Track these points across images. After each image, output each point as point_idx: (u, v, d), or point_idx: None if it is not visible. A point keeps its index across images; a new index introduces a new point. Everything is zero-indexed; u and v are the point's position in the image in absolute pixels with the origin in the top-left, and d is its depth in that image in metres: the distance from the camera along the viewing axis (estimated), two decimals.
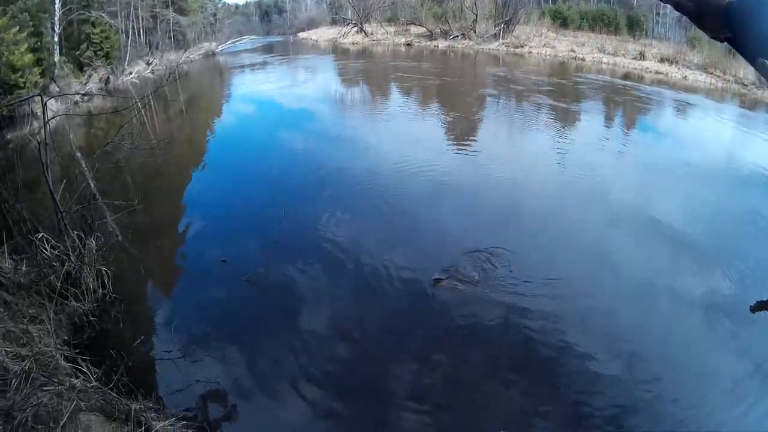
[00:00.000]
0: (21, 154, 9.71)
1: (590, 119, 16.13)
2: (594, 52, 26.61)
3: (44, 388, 4.50)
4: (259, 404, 5.52)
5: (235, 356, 6.06)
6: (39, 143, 7.20)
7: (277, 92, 20.40)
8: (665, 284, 7.21)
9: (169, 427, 4.78)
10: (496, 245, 7.87)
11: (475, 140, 13.50)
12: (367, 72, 25.80)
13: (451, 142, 13.40)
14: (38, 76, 16.41)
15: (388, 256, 7.74)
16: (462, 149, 12.76)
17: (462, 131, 14.29)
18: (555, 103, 17.39)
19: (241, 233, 8.70)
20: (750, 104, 19.71)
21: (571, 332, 6.26)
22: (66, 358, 5.42)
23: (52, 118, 7.65)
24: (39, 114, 14.93)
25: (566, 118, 15.94)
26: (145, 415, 4.74)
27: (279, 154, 12.64)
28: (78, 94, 16.27)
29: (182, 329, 6.41)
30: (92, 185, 7.67)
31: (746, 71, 21.42)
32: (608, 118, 16.62)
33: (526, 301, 6.76)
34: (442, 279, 7.10)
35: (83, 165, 7.81)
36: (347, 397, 5.50)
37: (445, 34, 33.98)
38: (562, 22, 32.65)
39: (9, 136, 13.71)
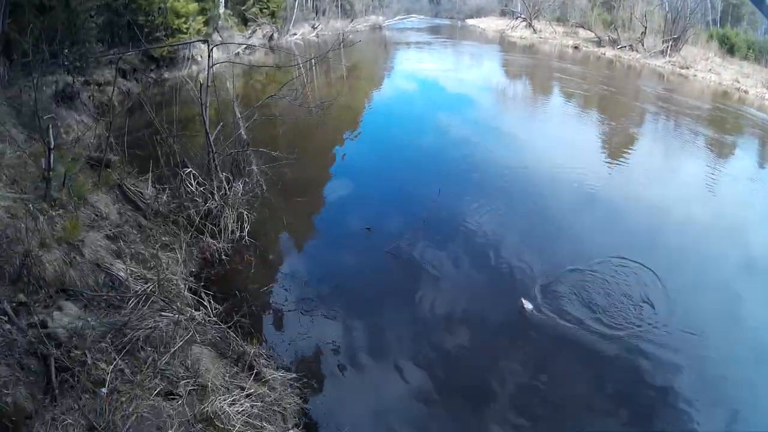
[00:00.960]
0: (179, 93, 10.16)
1: (746, 157, 13.89)
2: (758, 86, 23.76)
3: (162, 313, 4.38)
4: (365, 373, 5.17)
5: (353, 322, 5.72)
6: (201, 84, 7.32)
7: (440, 74, 19.96)
8: None
9: (278, 377, 4.49)
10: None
11: (628, 155, 12.25)
12: (532, 69, 24.64)
13: (604, 153, 12.27)
14: (202, 25, 17.23)
15: (528, 257, 7.07)
16: (614, 162, 11.62)
17: (616, 144, 13.05)
18: (713, 134, 15.31)
19: (389, 206, 8.35)
20: None
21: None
22: (190, 289, 5.37)
23: (215, 64, 7.76)
24: (199, 59, 16.02)
25: (722, 152, 13.89)
26: (257, 360, 4.51)
27: (434, 134, 12.18)
28: (242, 44, 16.98)
29: (310, 285, 6.17)
30: (245, 133, 7.72)
31: None
32: (764, 159, 14.27)
33: None
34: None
35: (238, 113, 7.87)
36: (446, 389, 5.06)
37: (613, 43, 31.94)
38: (729, 48, 29.51)
39: (167, 75, 14.60)
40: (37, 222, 4.67)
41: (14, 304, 3.78)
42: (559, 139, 12.82)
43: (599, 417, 4.98)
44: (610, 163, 11.48)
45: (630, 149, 12.63)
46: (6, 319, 3.59)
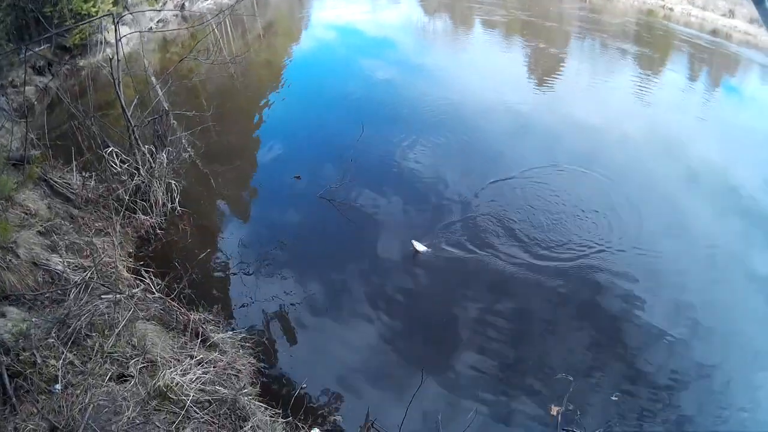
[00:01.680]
0: (95, 80, 9.91)
1: (675, 72, 14.36)
2: (683, 2, 23.94)
3: (102, 297, 4.58)
4: (314, 325, 5.55)
5: (295, 275, 6.06)
6: (111, 59, 7.23)
7: (357, 19, 19.43)
8: None
9: (228, 339, 4.82)
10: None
11: (557, 78, 12.59)
12: (450, 3, 24.21)
13: (532, 79, 12.53)
14: (111, 5, 16.42)
15: (460, 184, 7.66)
16: (543, 86, 11.96)
17: (544, 68, 13.25)
18: (640, 51, 15.65)
19: (317, 153, 8.56)
20: None
21: None
22: (129, 270, 5.57)
23: (123, 36, 7.62)
24: (112, 41, 15.20)
25: (650, 67, 14.25)
26: (204, 326, 4.78)
27: (358, 79, 12.03)
28: (152, 9, 16.27)
29: (249, 245, 6.45)
30: (164, 100, 7.70)
31: None
32: (693, 73, 14.68)
33: None
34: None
35: (154, 81, 7.83)
36: (406, 327, 5.50)
37: None
38: None
39: (82, 63, 14.07)
40: None
41: None
42: (484, 69, 13.00)
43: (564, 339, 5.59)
44: (539, 87, 11.86)
45: (558, 72, 13.00)
46: None
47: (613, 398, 5.43)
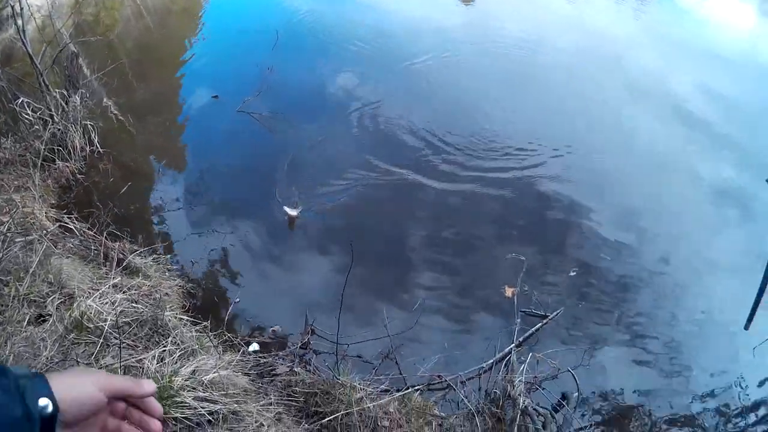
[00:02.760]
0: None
1: None
2: None
3: (16, 241, 4.59)
4: (251, 244, 5.69)
5: (225, 193, 6.23)
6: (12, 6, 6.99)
7: None
8: None
9: (151, 263, 4.88)
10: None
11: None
12: None
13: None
14: None
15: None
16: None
17: None
18: None
19: (234, 72, 8.52)
20: None
21: None
22: (51, 219, 5.57)
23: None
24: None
25: None
26: (124, 253, 4.84)
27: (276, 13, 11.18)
28: None
29: (172, 173, 6.55)
30: (71, 44, 7.42)
31: None
32: None
33: None
34: None
35: (59, 25, 7.55)
36: (344, 243, 5.48)
37: None
38: None
39: None
40: None
41: None
42: None
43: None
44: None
45: None
46: None
47: (572, 273, 5.57)
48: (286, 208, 5.76)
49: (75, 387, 0.94)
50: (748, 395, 4.97)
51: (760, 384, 5.11)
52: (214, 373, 3.32)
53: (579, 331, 5.24)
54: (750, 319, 4.75)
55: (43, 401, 0.87)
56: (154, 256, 4.99)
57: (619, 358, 5.09)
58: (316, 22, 9.98)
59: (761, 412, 4.87)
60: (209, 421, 3.13)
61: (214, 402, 3.18)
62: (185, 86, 8.26)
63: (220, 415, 3.17)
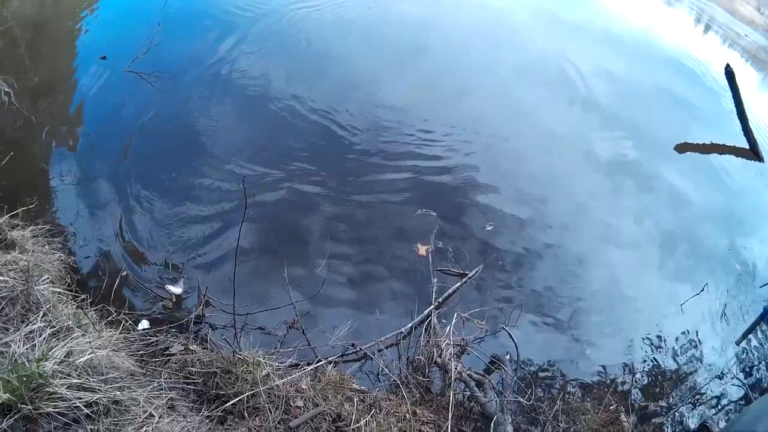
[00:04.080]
0: None
1: None
2: None
3: None
4: (141, 209, 5.30)
5: (113, 158, 5.81)
6: None
7: None
8: None
9: (29, 236, 4.39)
10: None
11: None
12: None
13: None
14: None
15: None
16: None
17: None
18: None
19: (126, 31, 7.93)
20: None
21: None
22: None
23: None
24: None
25: None
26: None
27: None
28: None
29: (58, 143, 5.98)
30: None
31: None
32: None
33: None
34: None
35: None
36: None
37: None
38: None
39: None
40: None
41: None
42: None
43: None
44: None
45: None
46: None
47: (488, 228, 5.45)
48: (169, 287, 4.61)
49: None
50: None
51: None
52: (90, 354, 2.94)
53: (496, 292, 5.17)
54: (744, 337, 5.26)
55: None
56: (33, 228, 4.47)
57: (532, 324, 5.03)
58: None
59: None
60: (87, 416, 2.71)
61: (92, 390, 2.80)
62: (76, 55, 7.56)
63: (101, 407, 2.80)
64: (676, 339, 5.24)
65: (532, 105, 7.84)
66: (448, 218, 5.68)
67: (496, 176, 6.43)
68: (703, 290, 5.62)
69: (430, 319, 4.47)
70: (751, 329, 5.25)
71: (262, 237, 5.13)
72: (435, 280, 4.80)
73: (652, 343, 5.15)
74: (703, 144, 8.03)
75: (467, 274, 5.03)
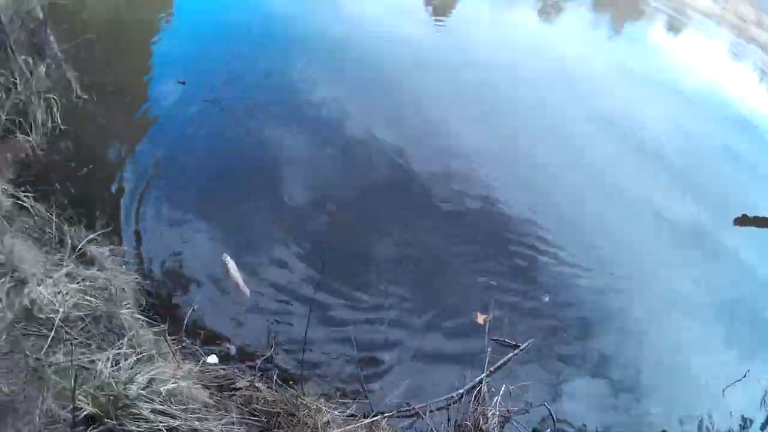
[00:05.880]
0: None
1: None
2: None
3: None
4: (213, 244, 5.53)
5: (191, 191, 6.08)
6: None
7: None
8: None
9: (106, 253, 4.70)
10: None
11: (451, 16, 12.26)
12: None
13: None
14: None
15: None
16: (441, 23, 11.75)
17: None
18: None
19: (202, 57, 8.34)
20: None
21: None
22: (8, 195, 5.32)
23: None
24: None
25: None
26: (81, 240, 4.63)
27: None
28: None
29: (136, 160, 6.32)
30: (40, 9, 7.19)
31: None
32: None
33: None
34: None
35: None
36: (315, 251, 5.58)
37: None
38: None
39: None
40: None
41: None
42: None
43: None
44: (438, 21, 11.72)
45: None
46: None
47: (545, 300, 5.61)
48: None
49: None
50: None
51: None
52: (173, 383, 3.18)
53: (549, 363, 5.31)
54: None
55: None
56: (111, 246, 4.78)
57: (587, 393, 5.17)
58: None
59: None
60: None
61: (173, 417, 3.04)
62: (152, 69, 8.03)
63: None
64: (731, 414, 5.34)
65: (596, 161, 8.08)
66: (509, 289, 5.87)
67: (562, 238, 6.62)
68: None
69: (480, 387, 4.61)
70: None
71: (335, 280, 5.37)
72: (489, 349, 4.97)
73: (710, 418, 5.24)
74: (763, 217, 8.13)
75: (519, 346, 5.19)
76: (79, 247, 4.56)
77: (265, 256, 5.56)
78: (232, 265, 5.19)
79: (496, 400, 4.36)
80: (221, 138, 6.86)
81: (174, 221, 5.65)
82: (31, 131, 6.25)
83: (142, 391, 3.08)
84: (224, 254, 5.26)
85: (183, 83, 7.45)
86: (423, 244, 6.10)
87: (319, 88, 8.03)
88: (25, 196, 5.08)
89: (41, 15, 7.16)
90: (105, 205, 5.64)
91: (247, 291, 5.10)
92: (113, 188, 5.91)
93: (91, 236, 4.74)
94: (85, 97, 7.02)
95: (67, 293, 3.97)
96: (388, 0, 12.05)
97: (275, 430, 3.55)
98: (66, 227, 4.70)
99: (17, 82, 6.48)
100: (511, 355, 5.15)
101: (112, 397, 3.00)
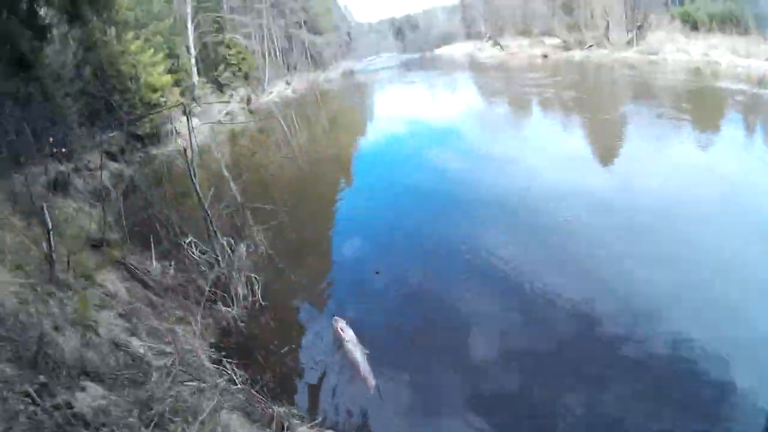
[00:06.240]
0: (169, 169, 10.42)
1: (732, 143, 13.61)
2: (727, 54, 24.68)
3: (185, 383, 4.43)
4: (402, 420, 5.18)
5: (384, 371, 5.72)
6: (183, 149, 7.71)
7: (419, 111, 20.48)
8: None
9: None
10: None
11: (617, 158, 12.53)
12: (506, 87, 25.21)
13: (596, 160, 12.56)
14: (179, 95, 17.95)
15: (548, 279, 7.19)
16: (605, 168, 11.95)
17: (604, 149, 13.21)
18: (697, 120, 15.42)
19: (393, 247, 8.52)
20: None
21: None
22: (211, 360, 5.40)
23: (196, 127, 8.17)
24: (182, 131, 16.45)
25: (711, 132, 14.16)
26: (288, 420, 4.51)
27: (426, 172, 12.31)
28: (220, 102, 17.69)
29: (331, 340, 6.20)
30: (237, 193, 7.99)
31: None
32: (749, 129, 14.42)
33: None
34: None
35: (226, 173, 8.20)
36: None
37: (580, 44, 33.71)
38: (692, 24, 30.51)
39: (154, 152, 14.98)
40: (47, 305, 4.77)
41: (36, 386, 3.83)
42: (550, 152, 13.06)
43: None
44: (605, 170, 11.77)
45: (618, 153, 12.89)
46: (30, 401, 3.63)
47: None
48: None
49: None
50: None
51: None
52: None
53: None
54: None
55: None
56: (318, 429, 4.59)
57: None
58: (468, 195, 10.14)
59: None
60: None
61: None
62: (343, 249, 8.45)
63: None
64: None
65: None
66: None
67: None
68: None
69: None
70: None
71: None
72: None
73: None
74: None
75: None
76: (287, 427, 4.42)
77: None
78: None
79: None
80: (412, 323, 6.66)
81: (373, 398, 5.39)
82: (232, 303, 6.55)
83: None
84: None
85: (378, 273, 7.61)
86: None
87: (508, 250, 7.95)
88: (227, 362, 5.13)
89: (239, 198, 7.94)
90: (305, 382, 5.54)
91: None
92: (312, 367, 5.80)
93: (294, 412, 4.63)
94: (282, 266, 7.47)
95: None
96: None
97: None
98: (275, 408, 4.58)
99: (219, 259, 6.97)
100: None
101: None
